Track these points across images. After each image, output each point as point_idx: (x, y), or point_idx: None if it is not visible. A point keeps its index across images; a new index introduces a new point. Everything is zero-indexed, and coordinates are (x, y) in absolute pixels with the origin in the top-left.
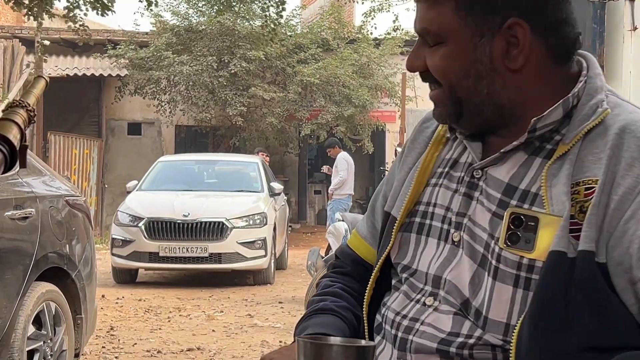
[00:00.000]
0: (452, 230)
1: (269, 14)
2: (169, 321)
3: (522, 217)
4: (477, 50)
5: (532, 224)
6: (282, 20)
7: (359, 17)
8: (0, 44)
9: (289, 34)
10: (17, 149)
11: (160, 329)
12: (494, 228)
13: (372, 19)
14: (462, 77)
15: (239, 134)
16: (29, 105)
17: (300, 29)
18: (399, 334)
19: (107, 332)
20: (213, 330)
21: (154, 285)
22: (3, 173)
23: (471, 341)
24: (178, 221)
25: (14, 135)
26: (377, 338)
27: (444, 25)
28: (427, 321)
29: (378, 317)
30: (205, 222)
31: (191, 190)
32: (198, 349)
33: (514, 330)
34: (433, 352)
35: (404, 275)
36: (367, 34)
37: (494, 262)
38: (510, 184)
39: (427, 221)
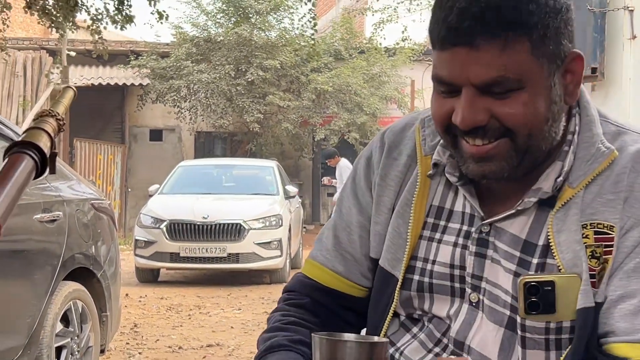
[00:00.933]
0: (468, 290)
1: (307, 31)
2: (190, 318)
3: (537, 285)
4: (552, 90)
5: (549, 288)
6: (314, 32)
7: (369, 27)
8: (29, 55)
9: (303, 44)
10: (47, 155)
11: (181, 325)
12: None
13: (382, 30)
14: (543, 123)
15: (256, 140)
16: (59, 114)
17: (314, 40)
18: None
19: (131, 329)
20: (232, 327)
21: (175, 284)
22: (34, 179)
23: None
24: (198, 223)
25: (44, 143)
26: None
27: (522, 70)
28: None
29: None
30: (224, 224)
31: (210, 194)
32: (217, 345)
33: None
34: None
35: (425, 318)
36: (377, 45)
37: (519, 331)
38: (528, 241)
39: (427, 279)
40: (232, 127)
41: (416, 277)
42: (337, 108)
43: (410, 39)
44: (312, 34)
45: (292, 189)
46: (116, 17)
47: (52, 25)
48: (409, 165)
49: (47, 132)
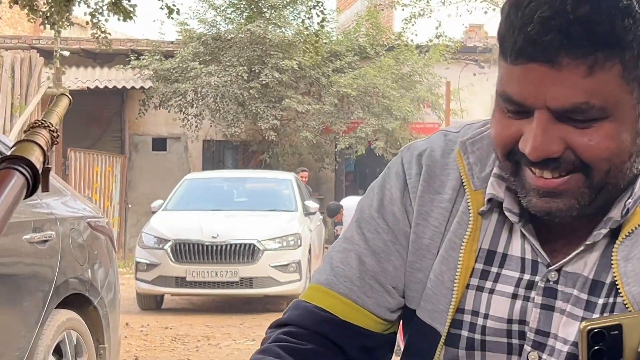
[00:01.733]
0: (527, 348)
1: (311, 26)
2: (197, 351)
3: (602, 331)
4: (638, 121)
5: (616, 332)
6: (324, 30)
7: (398, 22)
8: (17, 55)
9: (324, 41)
10: (40, 171)
11: (188, 359)
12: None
13: (413, 25)
14: (626, 159)
15: (271, 149)
16: (52, 125)
17: (336, 36)
18: None
19: None
20: None
21: (181, 311)
22: (25, 197)
23: None
24: (206, 243)
25: (36, 158)
26: None
27: (610, 96)
28: None
29: None
30: (236, 244)
31: (220, 210)
32: None
33: None
34: None
35: None
36: (409, 41)
37: None
38: (595, 280)
39: (478, 336)
40: (245, 135)
41: (464, 333)
42: (363, 113)
43: (445, 35)
44: (319, 31)
45: (313, 205)
46: (117, 8)
47: (46, 21)
48: (454, 201)
49: (39, 145)
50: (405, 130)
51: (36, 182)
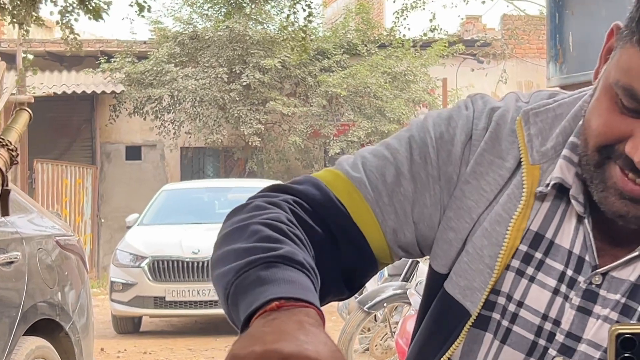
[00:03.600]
0: (552, 352)
1: (296, 22)
2: None
3: (632, 337)
4: None
5: None
6: (310, 25)
7: (389, 17)
8: None
9: (310, 37)
10: None
11: None
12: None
13: (405, 19)
14: None
15: (256, 156)
16: (11, 143)
17: (323, 32)
18: None
19: None
20: None
21: (160, 334)
22: None
23: None
24: (187, 260)
25: None
26: None
27: None
28: None
29: None
30: None
31: (201, 223)
32: None
33: None
34: None
35: None
36: (402, 37)
37: None
38: (637, 284)
39: (506, 323)
40: (227, 142)
41: (496, 316)
42: (354, 114)
43: (441, 29)
44: (305, 27)
45: None
46: (88, 6)
47: (14, 21)
48: (512, 171)
49: None
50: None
51: None
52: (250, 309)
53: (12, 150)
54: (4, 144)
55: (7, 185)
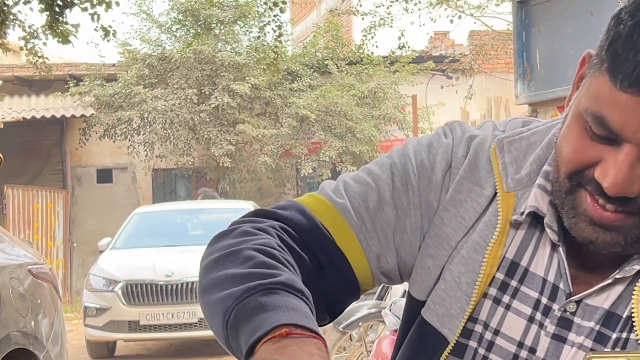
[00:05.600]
0: None
1: (265, 43)
2: None
3: None
4: None
5: None
6: (282, 46)
7: (358, 34)
8: None
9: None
10: None
11: None
12: None
13: (372, 37)
14: None
15: (228, 176)
16: None
17: (292, 50)
18: None
19: None
20: None
21: (135, 358)
22: None
23: None
24: (160, 283)
25: None
26: None
27: None
28: None
29: None
30: (193, 282)
31: (174, 246)
32: None
33: None
34: None
35: None
36: (370, 55)
37: None
38: (611, 312)
39: (483, 351)
40: (198, 163)
41: (473, 344)
42: (325, 134)
43: (408, 46)
44: (276, 47)
45: None
46: (56, 30)
47: None
48: (490, 199)
49: None
50: (376, 151)
51: None
52: (256, 335)
53: None
54: None
55: None
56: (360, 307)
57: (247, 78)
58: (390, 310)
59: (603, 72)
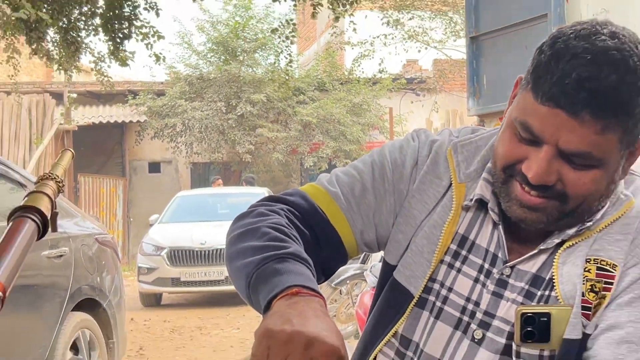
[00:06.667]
0: (473, 326)
1: (279, 67)
2: (192, 340)
3: (533, 316)
4: (616, 172)
5: (545, 318)
6: (290, 69)
7: (349, 60)
8: (33, 98)
9: (286, 78)
10: (49, 217)
11: (184, 347)
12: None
13: (359, 65)
14: (598, 198)
15: (248, 169)
16: (58, 177)
17: (298, 73)
18: None
19: (137, 351)
20: (231, 347)
21: (177, 307)
22: (37, 240)
23: None
24: (196, 249)
25: (45, 206)
26: None
27: (607, 152)
28: None
29: None
30: (221, 249)
31: (207, 221)
32: None
33: None
34: None
35: (409, 353)
36: (358, 77)
37: (514, 358)
38: (537, 275)
39: (439, 304)
40: (226, 158)
41: (432, 299)
42: (323, 137)
43: (386, 71)
44: (287, 71)
45: None
46: (116, 56)
47: (60, 67)
48: (446, 189)
49: (47, 195)
50: (361, 150)
51: (46, 226)
52: (272, 293)
53: (59, 182)
54: (53, 177)
55: (55, 209)
56: (348, 269)
57: (263, 91)
58: (370, 271)
59: (528, 90)
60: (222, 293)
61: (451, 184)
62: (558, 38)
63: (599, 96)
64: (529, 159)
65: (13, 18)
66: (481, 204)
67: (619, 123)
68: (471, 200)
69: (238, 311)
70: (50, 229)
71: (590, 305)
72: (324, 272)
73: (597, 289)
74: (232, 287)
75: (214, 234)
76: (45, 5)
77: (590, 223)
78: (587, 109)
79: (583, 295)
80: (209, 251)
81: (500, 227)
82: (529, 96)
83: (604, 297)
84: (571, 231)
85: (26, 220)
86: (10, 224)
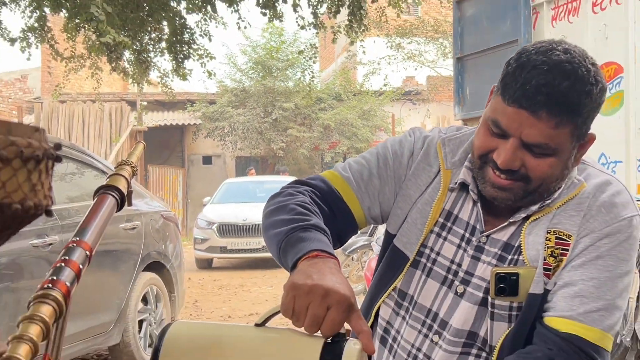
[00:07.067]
0: (456, 283)
1: (306, 81)
2: (235, 295)
3: (505, 275)
4: (569, 160)
5: (514, 277)
6: (313, 83)
7: (360, 76)
8: (113, 105)
9: (313, 89)
10: (125, 194)
11: (229, 300)
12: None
13: (368, 80)
14: (554, 181)
15: (280, 162)
16: (132, 163)
17: (320, 86)
18: None
19: (193, 304)
20: (266, 300)
21: (224, 269)
22: (116, 212)
23: None
24: (239, 224)
25: (122, 185)
26: (385, 352)
27: (561, 143)
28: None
29: (382, 332)
30: (258, 224)
31: (248, 202)
32: (256, 314)
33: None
34: None
35: (405, 303)
36: (367, 89)
37: (489, 308)
38: (508, 243)
39: (429, 265)
40: (263, 153)
41: (424, 261)
42: (339, 137)
43: (390, 84)
44: (309, 84)
45: None
46: (178, 73)
47: (134, 81)
48: (436, 174)
49: (124, 176)
50: (370, 147)
51: (123, 201)
52: (298, 255)
53: (133, 167)
54: (129, 163)
55: (130, 188)
56: (358, 240)
57: (292, 100)
58: (376, 242)
59: (499, 94)
60: (259, 259)
61: (440, 170)
62: (522, 53)
63: (553, 99)
64: (498, 149)
65: (98, 42)
66: (463, 186)
67: (570, 120)
68: (456, 183)
69: (272, 273)
70: (126, 204)
71: (550, 267)
72: (339, 239)
73: (556, 254)
74: (267, 254)
75: (254, 213)
76: (123, 32)
77: (550, 201)
78: (544, 109)
79: (545, 259)
80: (249, 226)
81: (478, 204)
82: (499, 99)
83: (561, 260)
84: (534, 207)
85: (108, 196)
86: (95, 199)
